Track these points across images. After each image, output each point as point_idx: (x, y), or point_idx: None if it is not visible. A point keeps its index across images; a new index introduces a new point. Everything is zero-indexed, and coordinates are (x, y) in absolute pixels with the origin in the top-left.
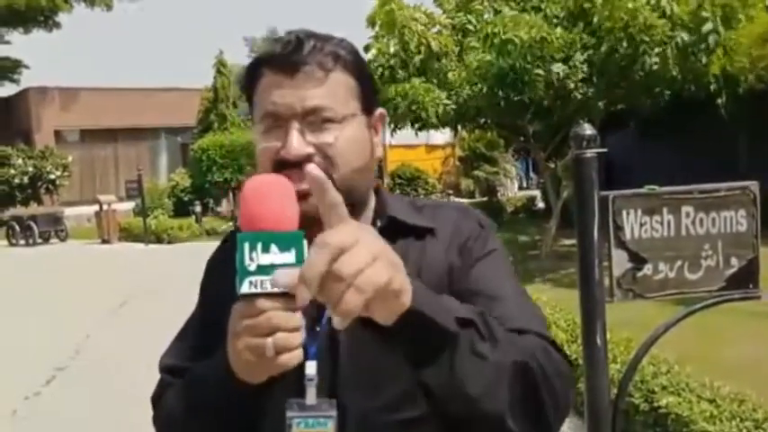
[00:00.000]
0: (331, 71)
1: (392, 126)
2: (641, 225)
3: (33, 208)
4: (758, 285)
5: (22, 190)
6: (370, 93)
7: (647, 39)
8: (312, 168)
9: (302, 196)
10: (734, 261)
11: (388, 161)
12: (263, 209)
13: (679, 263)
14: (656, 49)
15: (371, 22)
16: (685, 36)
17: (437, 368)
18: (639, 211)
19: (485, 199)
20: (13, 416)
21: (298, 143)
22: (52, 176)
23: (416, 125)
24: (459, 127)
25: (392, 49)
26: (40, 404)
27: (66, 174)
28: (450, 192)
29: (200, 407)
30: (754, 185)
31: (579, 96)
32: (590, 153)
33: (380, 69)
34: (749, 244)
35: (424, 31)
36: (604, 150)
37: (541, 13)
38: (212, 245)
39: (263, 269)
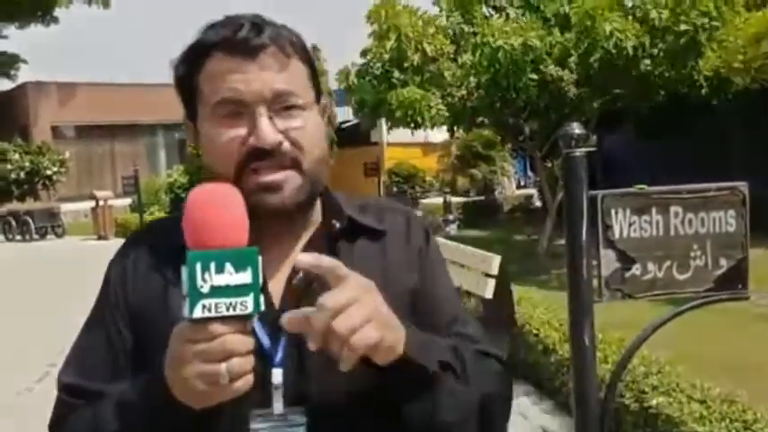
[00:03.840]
0: (291, 56)
1: (388, 125)
2: (630, 225)
3: (30, 203)
4: (747, 286)
5: (19, 185)
6: (318, 83)
7: (636, 45)
8: (298, 262)
9: (274, 188)
10: (723, 261)
11: (385, 159)
12: (212, 221)
13: (668, 263)
14: (650, 51)
15: (370, 18)
16: (671, 40)
17: (419, 403)
18: (628, 211)
19: (482, 198)
20: (5, 412)
21: (270, 130)
22: (49, 172)
23: (411, 125)
24: (456, 127)
25: (386, 56)
26: (32, 401)
27: (62, 169)
28: (448, 190)
29: None
30: (743, 186)
31: (573, 97)
32: (579, 152)
33: (378, 69)
34: (738, 244)
35: (419, 36)
36: (593, 149)
37: (539, 13)
38: None
39: (218, 291)
